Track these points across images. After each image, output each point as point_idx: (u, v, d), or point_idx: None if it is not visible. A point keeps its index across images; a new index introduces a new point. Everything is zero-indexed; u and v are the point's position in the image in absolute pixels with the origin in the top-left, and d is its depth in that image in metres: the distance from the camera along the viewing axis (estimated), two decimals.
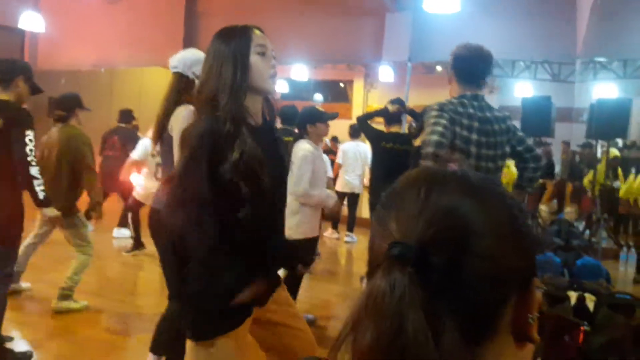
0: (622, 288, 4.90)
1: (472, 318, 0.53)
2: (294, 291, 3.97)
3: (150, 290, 4.42)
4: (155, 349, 2.69)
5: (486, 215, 0.55)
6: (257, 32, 1.65)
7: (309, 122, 3.61)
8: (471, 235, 0.53)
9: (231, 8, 6.87)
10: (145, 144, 4.74)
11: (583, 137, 7.61)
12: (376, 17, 6.61)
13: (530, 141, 2.49)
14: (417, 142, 4.16)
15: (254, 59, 1.61)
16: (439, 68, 13.60)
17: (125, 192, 6.26)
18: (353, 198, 6.95)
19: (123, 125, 6.36)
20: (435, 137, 2.29)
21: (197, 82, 2.43)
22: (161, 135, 2.50)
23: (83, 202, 4.02)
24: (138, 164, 4.94)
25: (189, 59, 2.52)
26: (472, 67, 2.52)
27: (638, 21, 5.48)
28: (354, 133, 7.13)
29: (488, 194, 0.57)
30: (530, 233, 0.58)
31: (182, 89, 2.49)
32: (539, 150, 2.45)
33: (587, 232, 7.02)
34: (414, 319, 0.49)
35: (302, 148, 3.47)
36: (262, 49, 1.63)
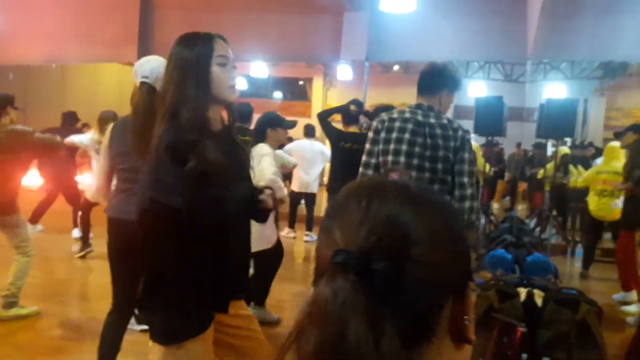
0: (569, 283, 5.08)
1: (412, 321, 0.54)
2: (264, 292, 3.93)
3: (101, 293, 4.28)
4: None
5: (425, 223, 0.57)
6: (219, 41, 1.67)
7: (270, 126, 3.60)
8: (411, 242, 0.55)
9: (188, 2, 6.74)
10: (89, 137, 4.60)
11: (533, 137, 7.85)
12: (334, 15, 6.61)
13: (466, 169, 2.38)
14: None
15: (215, 69, 1.63)
16: (396, 67, 13.78)
17: (71, 193, 6.08)
18: (310, 197, 6.95)
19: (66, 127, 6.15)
20: (364, 158, 2.51)
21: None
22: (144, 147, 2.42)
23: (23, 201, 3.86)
24: (82, 162, 4.80)
25: (158, 71, 2.38)
26: (427, 80, 2.58)
27: (585, 23, 5.67)
28: (309, 132, 7.13)
29: (427, 203, 0.59)
30: (466, 240, 0.61)
31: (152, 101, 2.41)
32: (468, 191, 2.36)
33: (538, 229, 7.24)
34: (356, 324, 0.50)
35: (262, 147, 3.48)
36: (224, 60, 1.65)
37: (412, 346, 0.55)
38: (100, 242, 2.65)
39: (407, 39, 6.50)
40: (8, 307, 3.62)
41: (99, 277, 4.88)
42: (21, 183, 3.78)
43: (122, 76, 11.40)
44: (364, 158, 2.53)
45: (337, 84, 14.20)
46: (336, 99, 14.25)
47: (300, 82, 15.55)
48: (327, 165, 6.46)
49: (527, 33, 6.03)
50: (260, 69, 10.55)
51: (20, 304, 3.68)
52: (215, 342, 1.72)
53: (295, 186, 6.91)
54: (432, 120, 2.44)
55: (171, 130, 1.57)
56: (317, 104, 14.73)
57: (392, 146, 2.42)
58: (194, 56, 1.62)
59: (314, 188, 6.87)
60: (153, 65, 2.41)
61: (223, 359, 1.79)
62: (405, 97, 11.64)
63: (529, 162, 9.81)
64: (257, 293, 3.93)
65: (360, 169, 2.55)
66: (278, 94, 14.73)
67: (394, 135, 2.43)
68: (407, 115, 2.45)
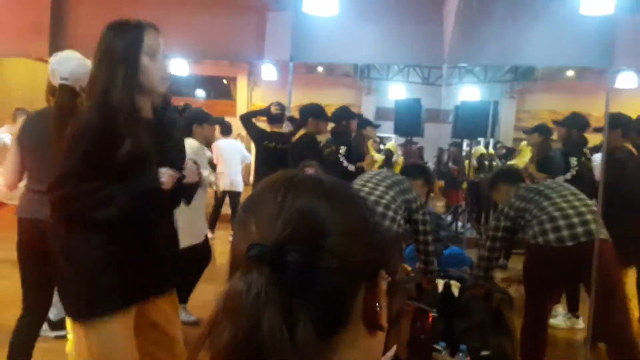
0: None
1: (326, 310, 0.55)
2: (188, 291, 3.84)
3: (8, 301, 4.02)
4: None
5: (338, 215, 0.58)
6: (150, 30, 1.65)
7: (197, 122, 3.55)
8: (324, 234, 0.56)
9: None
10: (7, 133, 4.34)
11: (449, 137, 8.21)
12: (258, 14, 6.57)
13: None
14: (294, 139, 4.29)
15: (144, 60, 1.62)
16: (320, 69, 13.91)
17: None
18: (234, 196, 6.88)
19: None
20: None
21: (83, 95, 2.33)
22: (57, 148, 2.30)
23: None
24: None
25: (78, 72, 2.31)
26: None
27: (494, 29, 6.00)
28: (225, 130, 7.07)
29: (340, 196, 0.61)
30: (379, 230, 0.63)
31: (73, 104, 2.29)
32: None
33: (455, 223, 7.57)
34: (270, 316, 0.51)
35: (190, 142, 3.41)
36: (152, 51, 1.64)
37: (326, 334, 0.56)
38: (4, 246, 2.49)
39: (330, 41, 6.58)
40: None
41: (6, 282, 4.57)
42: None
43: (35, 72, 10.70)
44: None
45: (262, 84, 14.12)
46: (261, 99, 14.17)
47: (224, 81, 15.32)
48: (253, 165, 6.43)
49: (444, 38, 6.29)
50: (180, 66, 10.29)
51: None
52: (139, 334, 1.70)
53: (219, 185, 6.84)
54: None
55: (101, 107, 1.54)
56: (242, 103, 14.58)
57: None
58: (123, 45, 1.60)
59: (237, 186, 6.81)
60: (72, 66, 2.30)
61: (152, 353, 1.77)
62: (329, 98, 11.78)
63: (446, 161, 10.26)
64: (179, 291, 3.85)
65: None
66: (201, 93, 14.42)
67: None
68: None
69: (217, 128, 6.91)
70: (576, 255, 2.75)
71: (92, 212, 1.54)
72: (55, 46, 6.10)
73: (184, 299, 3.84)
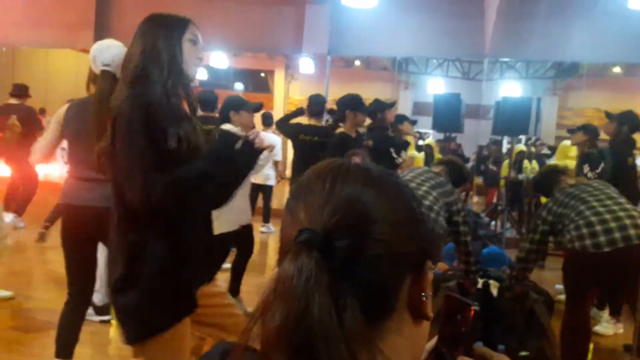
0: None
1: (372, 297, 0.57)
2: (238, 278, 3.88)
3: (57, 284, 4.16)
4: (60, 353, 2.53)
5: (385, 203, 0.59)
6: (191, 25, 1.70)
7: (234, 109, 3.54)
8: (371, 221, 0.57)
9: None
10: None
11: (489, 134, 8.04)
12: (296, 7, 6.58)
13: None
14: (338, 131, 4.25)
15: (186, 45, 1.65)
16: (357, 62, 13.85)
17: (27, 179, 5.84)
18: (267, 189, 6.91)
19: (16, 102, 5.81)
20: None
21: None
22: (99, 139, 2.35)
23: None
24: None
25: (120, 57, 2.34)
26: None
27: (538, 24, 5.84)
28: (266, 121, 7.09)
29: (387, 185, 0.62)
30: (424, 220, 0.64)
31: (113, 89, 2.35)
32: None
33: (493, 222, 7.44)
34: (320, 299, 0.52)
35: (229, 127, 3.42)
36: (194, 38, 1.68)
37: (373, 321, 0.57)
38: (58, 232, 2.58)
39: (368, 34, 6.54)
40: None
41: (56, 267, 4.74)
42: None
43: (79, 63, 11.02)
44: None
45: (299, 77, 14.16)
46: (298, 92, 14.21)
47: (262, 74, 15.43)
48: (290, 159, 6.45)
49: (485, 32, 6.17)
50: (220, 59, 10.41)
51: None
52: (197, 323, 1.71)
53: (252, 178, 6.88)
54: None
55: (147, 90, 1.54)
56: (279, 97, 14.66)
57: None
58: (169, 29, 1.63)
59: (270, 180, 6.83)
60: (114, 52, 2.34)
61: (207, 337, 1.80)
62: (366, 92, 11.69)
63: (486, 158, 10.06)
64: (231, 282, 3.88)
65: None
66: (239, 85, 14.55)
67: None
68: None
69: (260, 120, 6.97)
70: (613, 260, 2.71)
71: (191, 195, 1.53)
72: (100, 38, 6.23)
73: (235, 291, 3.87)
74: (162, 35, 1.61)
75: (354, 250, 0.56)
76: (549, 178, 3.28)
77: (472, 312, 0.72)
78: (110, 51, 2.35)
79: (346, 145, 3.98)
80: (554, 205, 2.99)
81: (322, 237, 0.55)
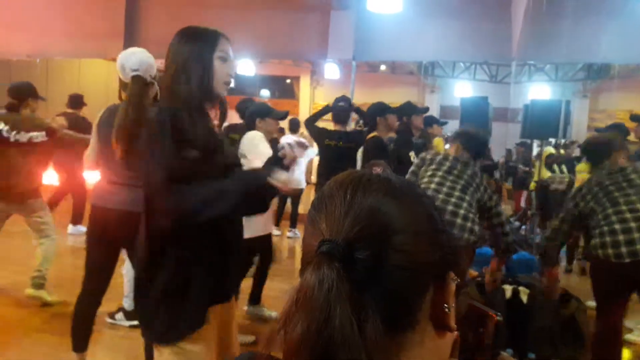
0: None
1: (394, 308, 0.57)
2: (260, 285, 3.90)
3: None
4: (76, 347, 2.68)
5: (406, 214, 0.59)
6: (222, 39, 1.69)
7: (259, 116, 3.57)
8: (392, 232, 0.57)
9: None
10: None
11: (518, 137, 7.91)
12: (321, 14, 6.61)
13: None
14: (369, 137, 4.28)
15: (216, 63, 1.64)
16: (383, 67, 13.82)
17: (77, 186, 5.99)
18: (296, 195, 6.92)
19: (71, 110, 5.97)
20: None
21: (155, 85, 2.46)
22: (131, 143, 2.38)
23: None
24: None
25: (146, 62, 2.46)
26: None
27: (566, 26, 5.74)
28: (293, 127, 7.10)
29: (408, 195, 0.62)
30: (446, 230, 0.63)
31: (144, 93, 2.43)
32: None
33: (522, 227, 7.30)
34: (341, 310, 0.52)
35: (254, 133, 3.46)
36: (225, 55, 1.66)
37: (395, 332, 0.57)
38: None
39: (393, 39, 6.52)
40: (37, 287, 3.75)
41: None
42: (45, 170, 3.94)
43: (109, 72, 11.27)
44: None
45: (325, 83, 14.20)
46: (323, 98, 14.24)
47: (288, 80, 15.52)
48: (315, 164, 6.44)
49: (512, 35, 6.09)
50: (247, 66, 10.51)
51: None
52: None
53: None
54: None
55: (167, 107, 1.56)
56: (305, 103, 14.72)
57: None
58: (199, 46, 1.63)
59: (300, 184, 6.83)
60: (140, 58, 2.41)
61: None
62: (392, 97, 11.67)
63: (514, 160, 9.90)
64: (253, 289, 3.90)
65: None
66: (265, 92, 14.63)
67: None
68: None
69: (287, 125, 6.98)
70: (635, 271, 2.65)
71: (202, 210, 1.53)
72: (130, 47, 6.39)
73: (257, 298, 3.89)
74: (192, 53, 1.62)
75: (375, 261, 0.56)
76: (602, 149, 3.07)
77: (495, 322, 0.71)
78: (136, 57, 2.43)
79: (381, 147, 4.11)
80: (588, 194, 2.91)
81: (343, 248, 0.55)
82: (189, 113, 1.57)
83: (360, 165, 3.84)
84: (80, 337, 2.66)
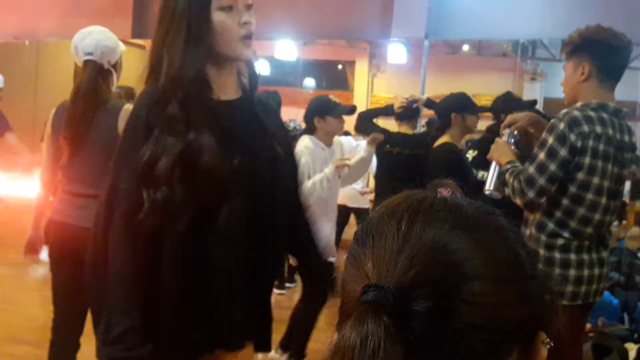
0: None
1: None
2: (308, 331, 3.84)
3: None
4: None
5: (482, 253, 0.58)
6: None
7: (318, 114, 3.61)
8: (462, 277, 0.56)
9: None
10: None
11: None
12: None
13: None
14: (435, 146, 4.07)
15: (217, 15, 1.58)
16: (465, 47, 13.71)
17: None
18: (361, 214, 6.83)
19: None
20: (542, 181, 2.29)
21: (114, 73, 2.51)
22: (81, 138, 2.47)
23: None
24: None
25: (103, 45, 2.51)
26: (618, 56, 2.49)
27: None
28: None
29: (485, 227, 0.60)
30: (537, 276, 0.61)
31: (100, 81, 2.49)
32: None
33: None
34: None
35: (301, 140, 3.53)
36: (229, 1, 1.59)
37: None
38: None
39: (481, 11, 6.47)
40: None
41: None
42: None
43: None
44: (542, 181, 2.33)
45: (387, 69, 14.18)
46: (385, 89, 14.24)
47: (339, 67, 15.61)
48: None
49: None
50: (287, 49, 10.64)
51: None
52: None
53: (341, 199, 6.70)
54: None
55: (144, 94, 1.59)
56: (361, 94, 14.74)
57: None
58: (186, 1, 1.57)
59: (365, 202, 6.76)
60: (97, 39, 2.48)
61: None
62: (478, 86, 11.55)
63: None
64: (294, 339, 3.86)
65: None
66: (310, 82, 14.82)
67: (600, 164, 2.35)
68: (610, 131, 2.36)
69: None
70: None
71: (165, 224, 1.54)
72: (139, 27, 6.61)
73: (301, 353, 3.86)
74: (179, 16, 1.57)
75: (439, 316, 0.54)
76: None
77: None
78: (91, 37, 2.49)
79: (455, 160, 3.83)
80: None
81: (395, 297, 0.54)
82: (182, 97, 1.54)
83: (427, 181, 3.67)
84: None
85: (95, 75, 2.45)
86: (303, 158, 3.37)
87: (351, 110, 3.72)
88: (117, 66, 2.55)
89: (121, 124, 2.34)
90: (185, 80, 1.55)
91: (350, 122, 5.42)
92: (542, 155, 2.30)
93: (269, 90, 4.47)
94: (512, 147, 2.50)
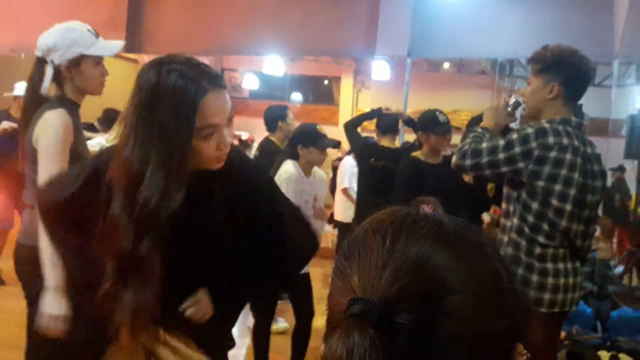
0: None
1: None
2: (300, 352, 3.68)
3: None
4: None
5: (463, 267, 0.58)
6: (209, 97, 1.46)
7: (302, 143, 3.54)
8: (445, 291, 0.56)
9: None
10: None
11: (622, 156, 7.72)
12: (369, 1, 6.69)
13: None
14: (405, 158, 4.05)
15: (196, 143, 1.49)
16: (446, 65, 13.80)
17: None
18: (344, 229, 6.84)
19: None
20: (484, 159, 2.42)
21: (47, 71, 2.36)
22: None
23: None
24: None
25: (45, 43, 2.41)
26: (584, 81, 2.58)
27: None
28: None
29: (467, 243, 0.61)
30: (515, 289, 0.61)
31: (36, 79, 2.38)
32: None
33: (628, 275, 7.10)
34: None
35: (285, 165, 3.48)
36: (210, 130, 1.49)
37: None
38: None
39: (461, 31, 6.52)
40: None
41: None
42: None
43: (109, 69, 11.62)
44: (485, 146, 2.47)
45: (371, 85, 14.23)
46: (369, 104, 14.23)
47: (325, 82, 15.64)
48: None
49: (614, 28, 6.01)
50: (275, 65, 10.66)
51: None
52: None
53: (340, 214, 6.50)
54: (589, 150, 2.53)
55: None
56: (346, 109, 14.77)
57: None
58: (169, 124, 1.45)
59: (348, 216, 6.75)
60: (45, 35, 2.41)
61: None
62: (458, 102, 11.63)
63: (614, 190, 9.66)
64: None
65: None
66: (297, 96, 14.82)
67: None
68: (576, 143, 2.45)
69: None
70: None
71: None
72: (132, 41, 6.58)
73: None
74: (160, 135, 1.49)
75: (422, 329, 0.54)
76: None
77: None
78: (46, 33, 2.43)
79: (413, 173, 3.76)
80: None
81: (379, 310, 0.54)
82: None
83: (395, 197, 3.61)
84: None
85: (34, 72, 2.38)
86: (283, 186, 3.31)
87: (335, 145, 3.71)
88: (71, 70, 2.38)
89: (36, 131, 2.23)
90: (162, 218, 1.48)
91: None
92: (501, 142, 2.42)
93: (281, 105, 4.46)
94: (510, 111, 2.79)
